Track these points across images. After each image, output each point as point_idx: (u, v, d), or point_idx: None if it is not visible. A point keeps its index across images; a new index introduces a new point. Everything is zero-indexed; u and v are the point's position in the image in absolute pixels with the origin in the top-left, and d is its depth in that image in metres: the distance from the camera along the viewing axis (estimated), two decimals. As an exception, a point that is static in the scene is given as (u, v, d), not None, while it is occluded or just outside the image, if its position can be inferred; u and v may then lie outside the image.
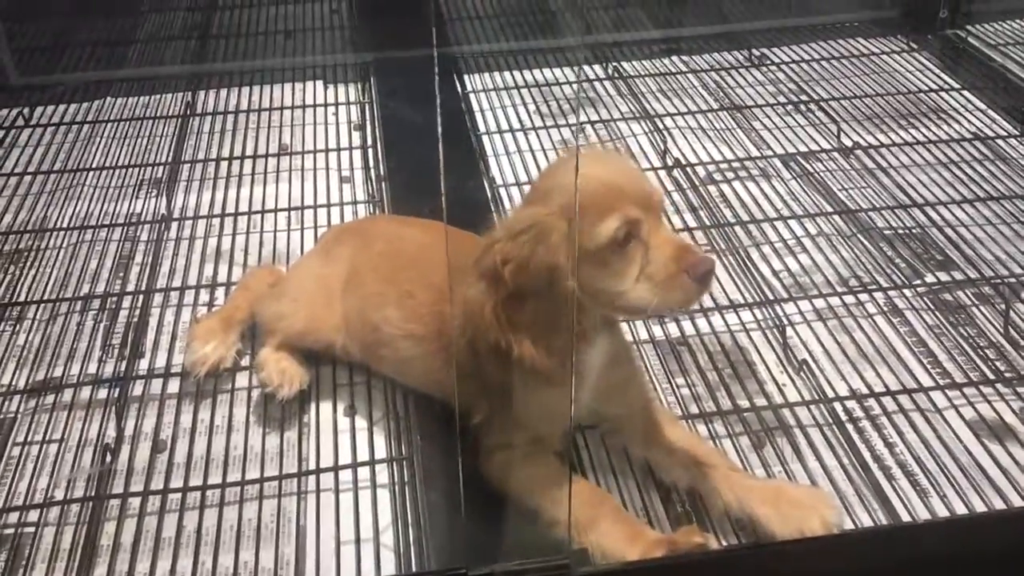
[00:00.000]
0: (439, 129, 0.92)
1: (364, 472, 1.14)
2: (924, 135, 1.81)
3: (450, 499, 1.08)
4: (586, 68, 2.11)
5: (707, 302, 1.40)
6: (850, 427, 1.18)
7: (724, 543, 1.03)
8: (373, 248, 1.24)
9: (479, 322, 0.96)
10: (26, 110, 1.97)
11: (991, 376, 1.25)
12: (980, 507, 1.06)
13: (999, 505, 1.07)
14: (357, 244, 1.26)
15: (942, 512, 1.06)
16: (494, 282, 0.94)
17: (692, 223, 1.58)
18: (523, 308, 0.94)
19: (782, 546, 0.98)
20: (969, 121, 1.85)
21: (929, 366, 1.27)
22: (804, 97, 1.95)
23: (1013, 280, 1.42)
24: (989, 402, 1.21)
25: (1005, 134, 1.79)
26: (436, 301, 1.11)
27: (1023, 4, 2.27)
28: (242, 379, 1.28)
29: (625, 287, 0.93)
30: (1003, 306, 1.35)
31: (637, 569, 0.95)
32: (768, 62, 2.12)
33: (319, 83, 2.06)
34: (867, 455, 1.14)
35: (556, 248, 0.92)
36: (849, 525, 1.05)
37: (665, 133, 1.82)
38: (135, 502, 1.11)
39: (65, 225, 1.62)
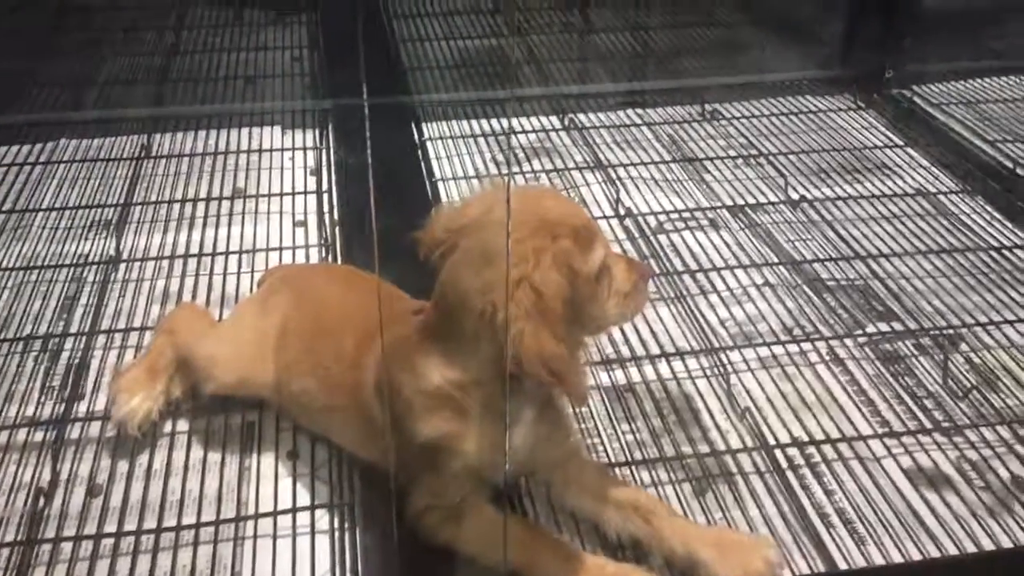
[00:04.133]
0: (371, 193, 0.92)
1: (303, 518, 1.12)
2: (869, 189, 1.85)
3: (388, 546, 1.07)
4: (542, 119, 2.14)
5: (653, 349, 1.41)
6: (790, 474, 1.19)
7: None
8: (299, 308, 1.22)
9: (536, 360, 0.91)
10: (-22, 150, 1.95)
11: (929, 425, 1.27)
12: (916, 555, 1.08)
13: (934, 553, 1.08)
14: (288, 300, 1.24)
15: (879, 560, 1.07)
16: (541, 315, 0.91)
17: (641, 272, 1.59)
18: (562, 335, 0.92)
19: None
20: (912, 177, 1.90)
21: (869, 415, 1.29)
22: (754, 151, 2.00)
23: (952, 332, 1.45)
24: (926, 451, 1.23)
25: (947, 190, 1.84)
26: (349, 370, 1.11)
27: (965, 66, 2.35)
28: (182, 423, 1.26)
29: (604, 306, 1.00)
30: (942, 357, 1.38)
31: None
32: (720, 117, 2.16)
33: (276, 128, 2.07)
34: (806, 502, 1.15)
35: (582, 271, 0.95)
36: (787, 573, 1.05)
37: (618, 183, 1.85)
38: (67, 547, 1.09)
39: (11, 265, 1.60)
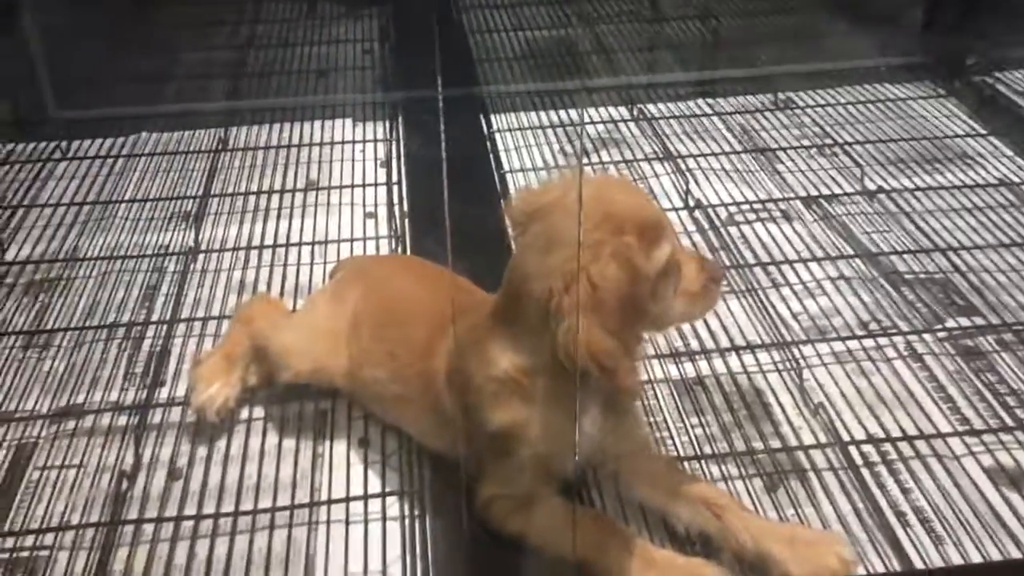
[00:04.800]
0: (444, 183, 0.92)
1: (375, 504, 1.14)
2: (949, 180, 1.80)
3: (458, 533, 1.08)
4: (611, 110, 2.13)
5: (724, 342, 1.40)
6: (865, 471, 1.17)
7: (735, 585, 1.02)
8: (371, 299, 1.24)
9: (585, 353, 0.91)
10: (63, 143, 2.02)
11: (1011, 423, 1.23)
12: (996, 556, 1.05)
13: (1015, 554, 1.05)
14: (361, 290, 1.26)
15: (957, 560, 1.05)
16: (594, 308, 0.91)
17: (712, 264, 1.58)
18: (614, 331, 0.92)
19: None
20: (995, 167, 1.84)
21: (948, 412, 1.26)
22: (828, 141, 1.95)
23: (1036, 327, 1.40)
24: (1008, 450, 1.19)
25: (1032, 180, 1.78)
26: (420, 360, 1.12)
27: (1053, 52, 2.26)
28: (258, 410, 1.29)
29: (669, 305, 1.00)
30: (1026, 353, 1.34)
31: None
32: (794, 106, 2.12)
33: (348, 121, 2.10)
34: (882, 500, 1.13)
35: (644, 268, 0.95)
36: (862, 571, 1.03)
37: (688, 174, 1.83)
38: (148, 528, 1.13)
39: (95, 255, 1.65)
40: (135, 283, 1.58)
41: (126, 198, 1.83)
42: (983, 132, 1.96)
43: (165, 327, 1.46)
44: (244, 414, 1.29)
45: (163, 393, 1.34)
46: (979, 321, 1.42)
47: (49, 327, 1.48)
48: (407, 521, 1.12)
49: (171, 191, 1.86)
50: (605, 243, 0.92)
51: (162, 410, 1.30)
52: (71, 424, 1.28)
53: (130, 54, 2.36)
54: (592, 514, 1.08)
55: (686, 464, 1.18)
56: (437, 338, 1.11)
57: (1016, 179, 1.79)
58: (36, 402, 1.33)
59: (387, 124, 2.07)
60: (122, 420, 1.29)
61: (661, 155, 1.92)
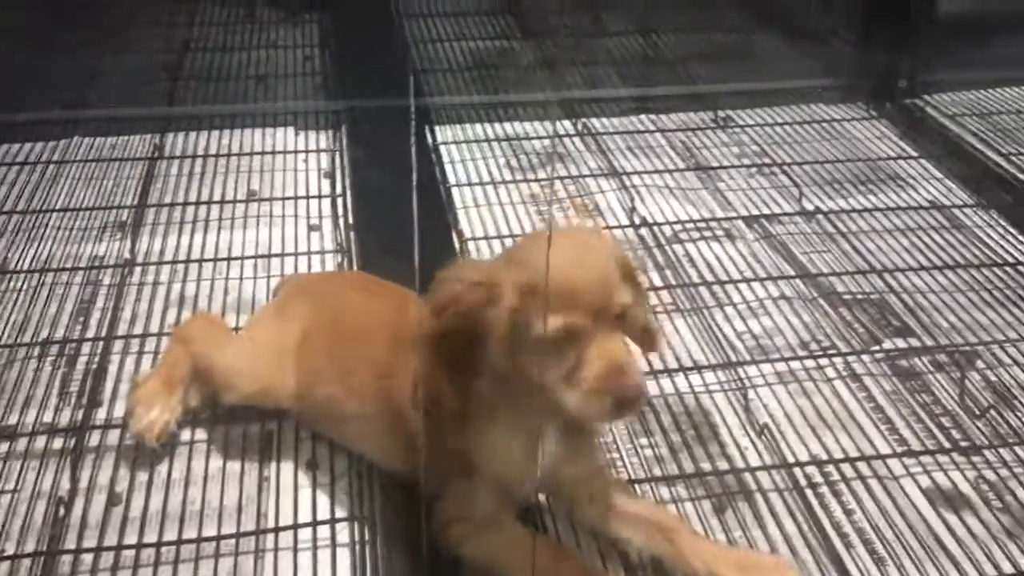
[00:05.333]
0: (414, 198, 0.91)
1: (324, 531, 1.12)
2: (883, 201, 1.85)
3: (412, 560, 1.07)
4: (556, 124, 2.13)
5: (672, 363, 1.41)
6: (810, 493, 1.19)
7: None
8: (321, 316, 1.22)
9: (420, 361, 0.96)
10: (-10, 147, 1.95)
11: (947, 445, 1.27)
12: (936, 577, 1.08)
13: (953, 575, 1.08)
14: (309, 308, 1.24)
15: (899, 581, 1.08)
16: (436, 320, 0.94)
17: (658, 282, 1.59)
18: (451, 350, 0.94)
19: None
20: (926, 189, 1.90)
21: (887, 433, 1.29)
22: (767, 160, 1.99)
23: (968, 349, 1.45)
24: (945, 471, 1.23)
25: (961, 203, 1.84)
26: (379, 376, 1.11)
27: (979, 76, 2.34)
28: (200, 431, 1.26)
29: (549, 382, 0.93)
30: (959, 374, 1.38)
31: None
32: (733, 124, 2.16)
33: (290, 129, 2.06)
34: (826, 522, 1.15)
35: (498, 316, 0.92)
36: (808, 594, 1.06)
37: (633, 191, 1.85)
38: (88, 558, 1.09)
39: (26, 267, 1.59)
40: (68, 297, 1.52)
41: (57, 207, 1.77)
42: (914, 155, 2.03)
43: (101, 344, 1.42)
44: (186, 436, 1.25)
45: (100, 414, 1.29)
46: (914, 342, 1.46)
47: (-23, 343, 1.42)
48: (358, 548, 1.10)
49: (105, 200, 1.80)
50: (497, 287, 0.92)
51: (100, 432, 1.26)
52: (3, 447, 1.23)
53: (60, 55, 2.28)
54: (549, 541, 1.08)
55: (637, 487, 1.19)
56: (395, 355, 1.10)
57: (946, 202, 1.85)
58: (-36, 423, 1.27)
59: (330, 134, 2.04)
60: (58, 442, 1.24)
61: (606, 171, 1.93)
